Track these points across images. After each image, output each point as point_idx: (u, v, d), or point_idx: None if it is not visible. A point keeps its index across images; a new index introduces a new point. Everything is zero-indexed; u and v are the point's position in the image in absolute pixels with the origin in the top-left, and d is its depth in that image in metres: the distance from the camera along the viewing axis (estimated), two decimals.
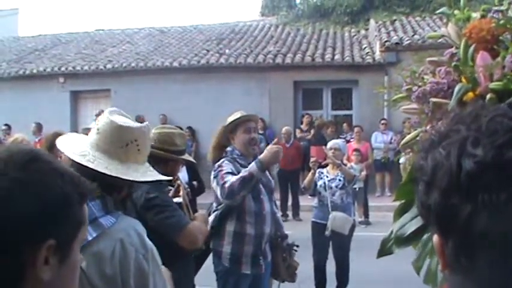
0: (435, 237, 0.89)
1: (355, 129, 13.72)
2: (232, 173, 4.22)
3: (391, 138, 13.83)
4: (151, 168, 2.27)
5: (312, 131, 14.60)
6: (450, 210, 0.82)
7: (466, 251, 0.83)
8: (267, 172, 4.59)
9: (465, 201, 0.80)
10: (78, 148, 2.12)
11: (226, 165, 4.31)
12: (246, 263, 4.35)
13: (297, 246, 5.01)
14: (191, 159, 4.53)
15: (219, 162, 4.39)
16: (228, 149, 4.51)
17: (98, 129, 2.16)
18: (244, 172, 4.13)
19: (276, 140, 4.13)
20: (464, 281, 0.85)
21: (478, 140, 0.81)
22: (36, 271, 1.06)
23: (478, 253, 0.81)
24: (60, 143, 2.19)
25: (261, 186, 4.43)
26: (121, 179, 2.05)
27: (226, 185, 4.10)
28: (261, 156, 4.22)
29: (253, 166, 4.13)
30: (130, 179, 2.08)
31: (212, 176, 4.34)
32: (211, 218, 4.45)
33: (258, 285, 4.56)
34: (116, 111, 2.24)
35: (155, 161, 3.80)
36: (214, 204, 4.54)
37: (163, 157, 3.77)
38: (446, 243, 0.86)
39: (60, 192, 1.11)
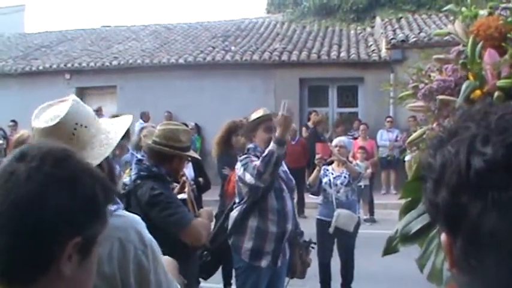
0: (443, 236, 0.88)
1: (361, 127, 13.66)
2: None
3: (397, 136, 13.81)
4: (107, 128, 2.05)
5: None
6: (459, 209, 0.81)
7: (475, 251, 0.81)
8: (287, 171, 4.63)
9: (474, 200, 0.79)
10: None
11: (254, 157, 4.35)
12: (266, 259, 4.37)
13: (314, 243, 5.03)
14: (196, 155, 4.54)
15: (245, 155, 4.43)
16: (250, 146, 4.54)
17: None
18: (266, 151, 4.16)
19: (283, 103, 4.13)
20: (472, 281, 0.84)
21: (487, 138, 0.80)
22: (59, 266, 1.08)
23: (487, 253, 0.80)
24: None
25: (283, 184, 4.46)
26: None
27: (256, 167, 4.13)
28: (276, 133, 4.21)
29: (271, 144, 4.14)
30: (100, 159, 1.93)
31: (240, 165, 4.37)
32: (233, 214, 4.48)
33: (276, 281, 4.58)
34: (37, 114, 1.96)
35: (160, 157, 3.81)
36: (237, 200, 4.56)
37: (168, 153, 3.78)
38: (455, 242, 0.84)
39: (90, 192, 1.14)
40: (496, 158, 0.78)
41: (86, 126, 1.94)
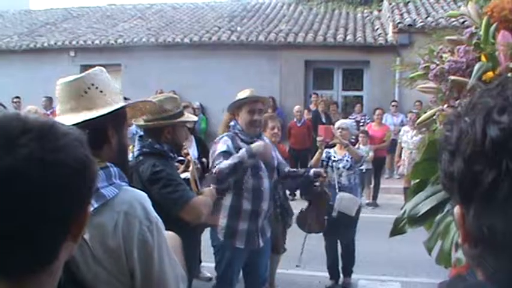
0: (456, 209, 0.88)
1: (377, 112, 13.09)
2: (227, 152, 4.31)
3: (402, 121, 13.75)
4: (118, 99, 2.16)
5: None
6: (473, 177, 0.81)
7: (487, 219, 0.81)
8: (274, 152, 4.62)
9: (489, 167, 0.79)
10: None
11: (223, 144, 4.38)
12: (240, 238, 4.42)
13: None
14: (193, 118, 4.50)
15: (216, 139, 4.49)
16: (231, 123, 4.59)
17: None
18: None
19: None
20: (483, 251, 0.84)
21: (504, 108, 0.80)
22: (72, 240, 1.05)
23: (499, 221, 0.80)
24: None
25: (261, 163, 4.46)
26: (94, 119, 1.97)
27: (216, 169, 4.19)
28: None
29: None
30: (105, 112, 2.00)
31: (211, 154, 4.47)
32: None
33: (256, 260, 4.61)
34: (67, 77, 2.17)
35: (152, 133, 3.75)
36: None
37: (158, 126, 3.73)
38: (468, 212, 0.85)
39: (83, 158, 1.05)
40: (511, 126, 0.78)
41: (101, 91, 2.08)
